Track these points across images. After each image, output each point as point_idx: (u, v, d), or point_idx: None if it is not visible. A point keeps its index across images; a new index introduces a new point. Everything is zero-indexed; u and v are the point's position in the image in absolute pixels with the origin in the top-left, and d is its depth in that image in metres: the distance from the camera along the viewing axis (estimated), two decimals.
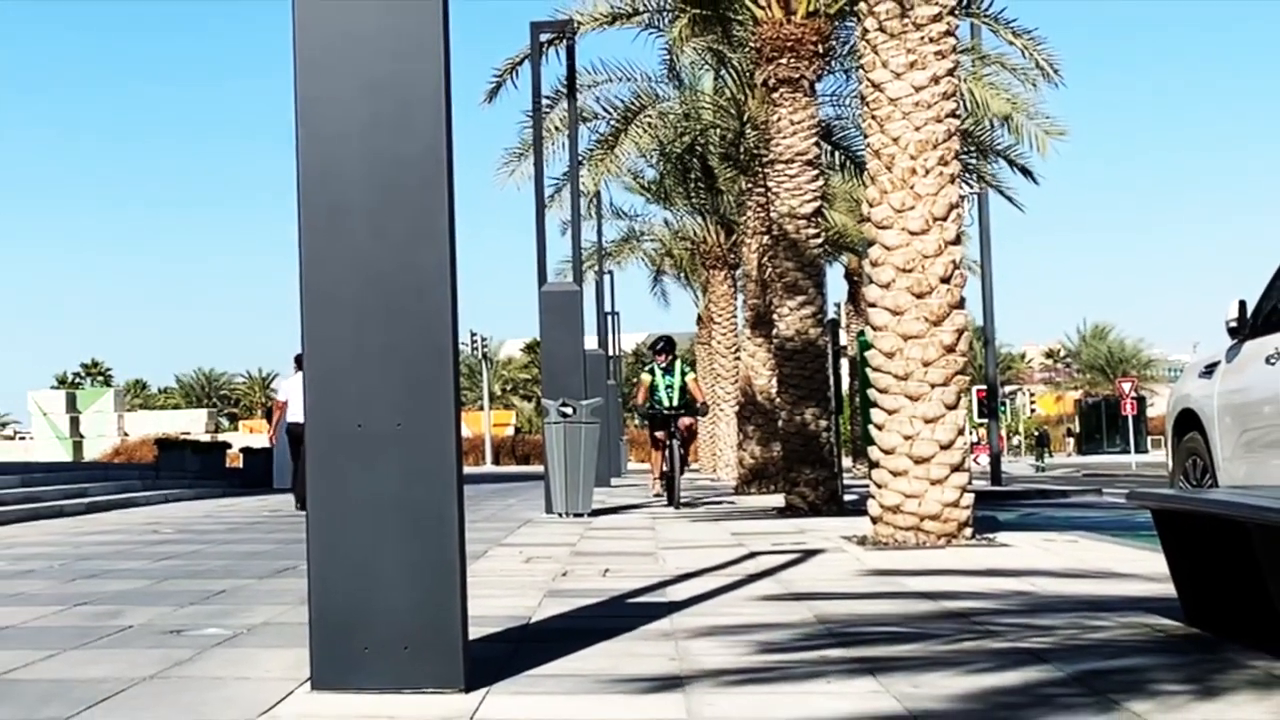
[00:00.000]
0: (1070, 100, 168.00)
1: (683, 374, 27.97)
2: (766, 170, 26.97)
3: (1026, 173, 37.86)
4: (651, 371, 28.26)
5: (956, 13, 17.07)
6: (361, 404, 7.22)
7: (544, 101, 30.40)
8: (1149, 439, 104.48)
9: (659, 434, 27.80)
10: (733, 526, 19.60)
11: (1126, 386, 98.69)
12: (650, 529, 20.01)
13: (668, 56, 35.33)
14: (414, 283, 7.22)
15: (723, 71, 36.25)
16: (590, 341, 39.03)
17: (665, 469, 27.65)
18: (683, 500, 26.92)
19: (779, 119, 25.49)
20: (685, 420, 27.54)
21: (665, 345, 28.50)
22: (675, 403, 27.42)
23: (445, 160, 7.25)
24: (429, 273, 7.22)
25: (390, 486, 7.20)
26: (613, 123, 39.54)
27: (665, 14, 31.27)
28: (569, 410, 24.31)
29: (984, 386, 52.14)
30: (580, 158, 34.35)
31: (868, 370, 16.87)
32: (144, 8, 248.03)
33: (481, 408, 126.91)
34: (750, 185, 35.41)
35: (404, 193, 7.23)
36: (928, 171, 16.06)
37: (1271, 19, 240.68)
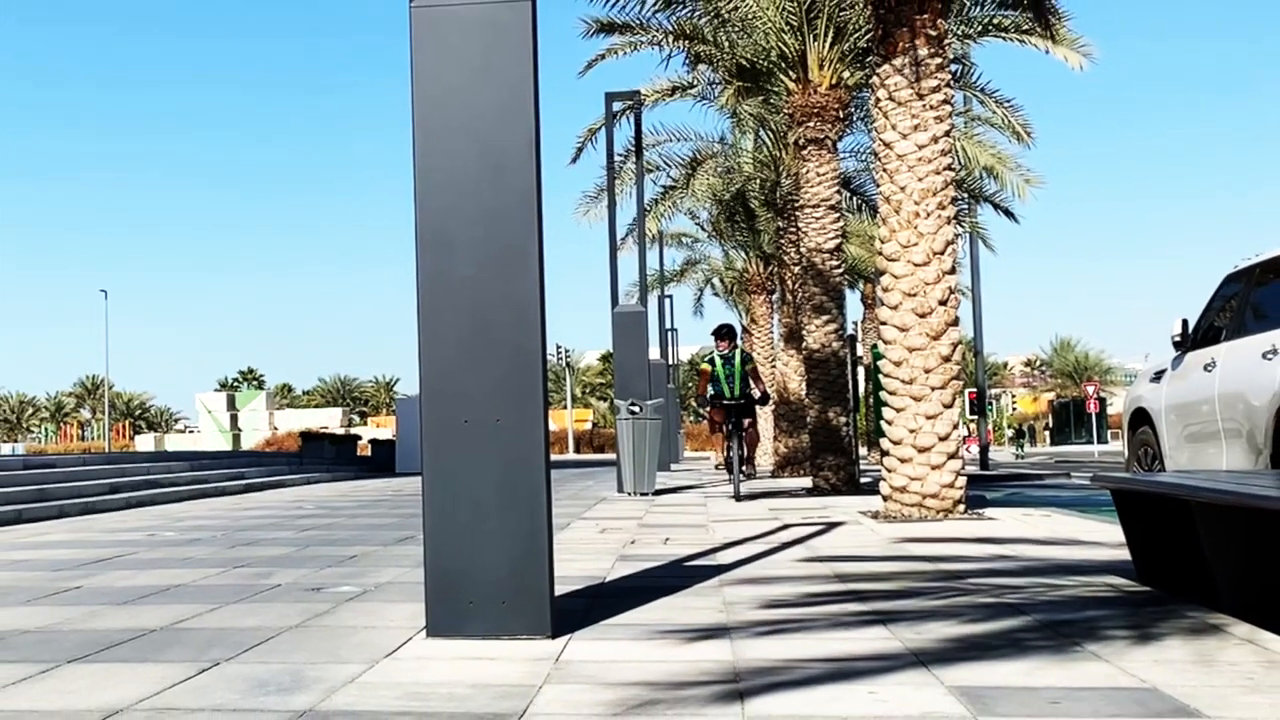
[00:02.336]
0: (1049, 152, 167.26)
1: (743, 363, 22.78)
2: (798, 213, 26.92)
3: (1009, 214, 38.53)
4: (712, 361, 23.05)
5: (951, 85, 17.07)
6: (467, 402, 7.25)
7: (616, 158, 30.54)
8: (1109, 432, 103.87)
9: (717, 415, 23.02)
10: (770, 503, 19.56)
11: (1090, 389, 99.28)
12: (703, 506, 19.97)
13: (720, 120, 35.91)
14: (510, 304, 7.24)
15: (762, 132, 36.25)
16: (653, 353, 39.10)
17: (727, 455, 23.13)
18: (743, 495, 21.97)
19: (807, 171, 25.48)
20: (747, 421, 22.81)
21: (727, 332, 23.27)
22: (736, 393, 22.62)
23: (535, 207, 7.27)
24: (522, 296, 7.24)
25: (491, 470, 7.22)
26: (672, 176, 40.04)
27: (715, 86, 31.45)
28: (636, 408, 24.36)
29: (974, 389, 52.13)
30: (645, 205, 34.70)
31: (880, 376, 16.90)
32: (296, 72, 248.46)
33: (565, 406, 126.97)
34: (785, 225, 35.31)
35: (502, 232, 7.25)
36: (929, 214, 16.06)
37: (1206, 89, 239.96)
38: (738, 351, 22.97)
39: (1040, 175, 35.08)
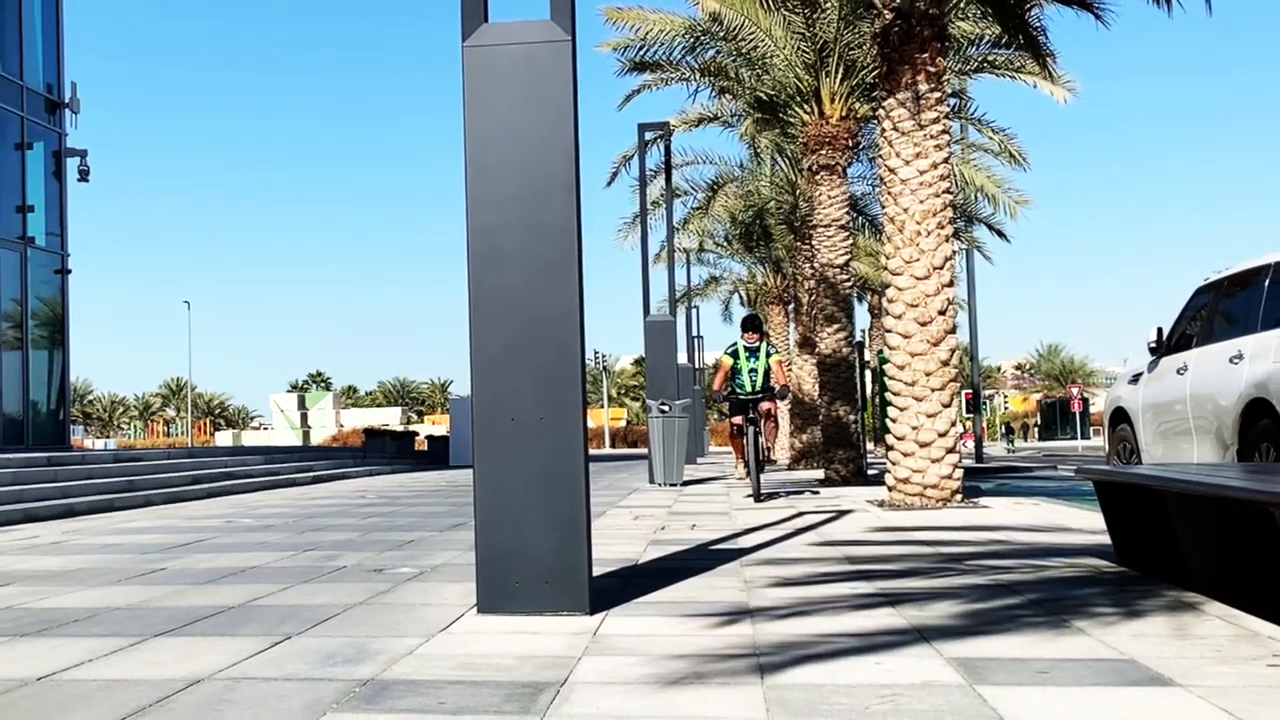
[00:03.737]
0: (1037, 176, 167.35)
1: (768, 356, 19.18)
2: (811, 232, 26.93)
3: (1000, 234, 38.96)
4: (734, 354, 19.24)
5: (950, 116, 17.08)
6: (514, 402, 7.26)
7: (646, 176, 30.68)
8: (1091, 429, 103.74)
9: (738, 420, 19.19)
10: (786, 497, 19.54)
11: (1074, 390, 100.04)
12: (726, 495, 19.93)
13: (742, 148, 36.21)
14: (552, 313, 7.25)
15: (778, 158, 36.32)
16: (681, 358, 39.19)
17: (747, 455, 18.99)
18: (764, 492, 19.11)
19: (820, 194, 25.47)
20: (765, 405, 18.98)
21: (756, 323, 19.86)
22: (758, 388, 18.96)
23: (575, 224, 7.29)
24: (563, 306, 7.25)
25: (535, 463, 7.24)
26: (698, 198, 40.37)
27: (737, 117, 31.59)
28: (666, 408, 24.43)
29: (970, 390, 52.19)
30: (674, 224, 34.94)
31: (885, 378, 16.87)
32: (362, 105, 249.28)
33: (602, 406, 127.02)
34: (799, 243, 35.38)
35: (545, 247, 7.26)
36: (929, 233, 16.05)
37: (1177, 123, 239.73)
38: (763, 343, 19.38)
39: (1029, 196, 35.17)
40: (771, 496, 19.21)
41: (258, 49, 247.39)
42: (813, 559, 10.14)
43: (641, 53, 25.96)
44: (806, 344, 36.18)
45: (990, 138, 32.15)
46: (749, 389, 19.09)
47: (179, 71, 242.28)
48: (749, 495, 18.50)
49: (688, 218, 42.09)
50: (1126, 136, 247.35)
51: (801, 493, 16.95)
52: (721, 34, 24.84)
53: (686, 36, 25.96)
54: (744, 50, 25.37)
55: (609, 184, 36.46)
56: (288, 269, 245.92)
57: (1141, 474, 8.21)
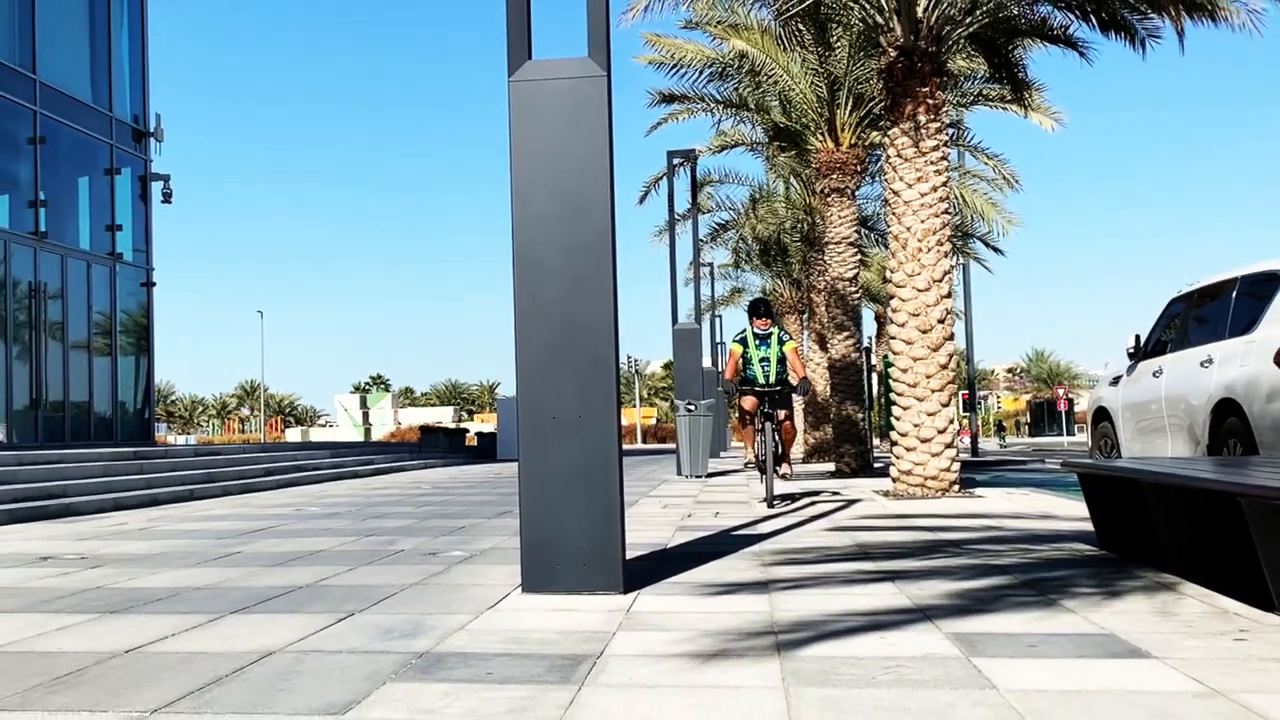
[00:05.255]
0: (1027, 197, 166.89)
1: (781, 343, 15.66)
2: (823, 248, 27.00)
3: (995, 249, 39.12)
4: (743, 341, 15.86)
5: (948, 144, 17.12)
6: (555, 403, 7.27)
7: (673, 197, 30.96)
8: (1076, 426, 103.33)
9: (749, 403, 15.49)
10: (801, 484, 19.52)
11: (1060, 391, 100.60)
12: (746, 486, 19.91)
13: (763, 171, 36.63)
14: (588, 321, 7.26)
15: (793, 181, 36.39)
16: (706, 362, 39.26)
17: (759, 452, 15.37)
18: (777, 496, 16.08)
19: (831, 214, 25.48)
20: (781, 413, 15.35)
21: (764, 309, 16.02)
22: (772, 379, 15.54)
23: (610, 241, 7.31)
24: (599, 315, 7.27)
25: (574, 457, 7.25)
26: (721, 218, 40.65)
27: (758, 145, 31.73)
28: (692, 407, 24.48)
29: (966, 391, 52.13)
30: (700, 240, 35.15)
31: (890, 380, 16.96)
32: (418, 134, 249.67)
33: (634, 406, 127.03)
34: (813, 258, 35.42)
35: (583, 262, 7.28)
36: (929, 250, 16.06)
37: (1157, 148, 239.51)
38: (776, 330, 15.82)
39: (1019, 217, 35.34)
40: (786, 500, 16.08)
41: (321, 85, 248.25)
42: (824, 543, 10.14)
43: (674, 71, 26.09)
44: (820, 345, 36.30)
45: (986, 163, 32.24)
46: (762, 381, 15.54)
47: (250, 105, 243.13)
48: (763, 500, 15.13)
49: (711, 236, 42.32)
50: (1109, 161, 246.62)
51: (818, 494, 16.77)
52: (747, 68, 25.00)
53: (714, 66, 26.14)
54: (764, 84, 25.55)
55: (640, 202, 36.71)
56: (351, 282, 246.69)
57: (1121, 467, 8.21)
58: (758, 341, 15.69)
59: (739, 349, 15.80)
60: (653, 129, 30.22)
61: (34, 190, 27.58)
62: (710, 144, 33.36)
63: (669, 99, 27.81)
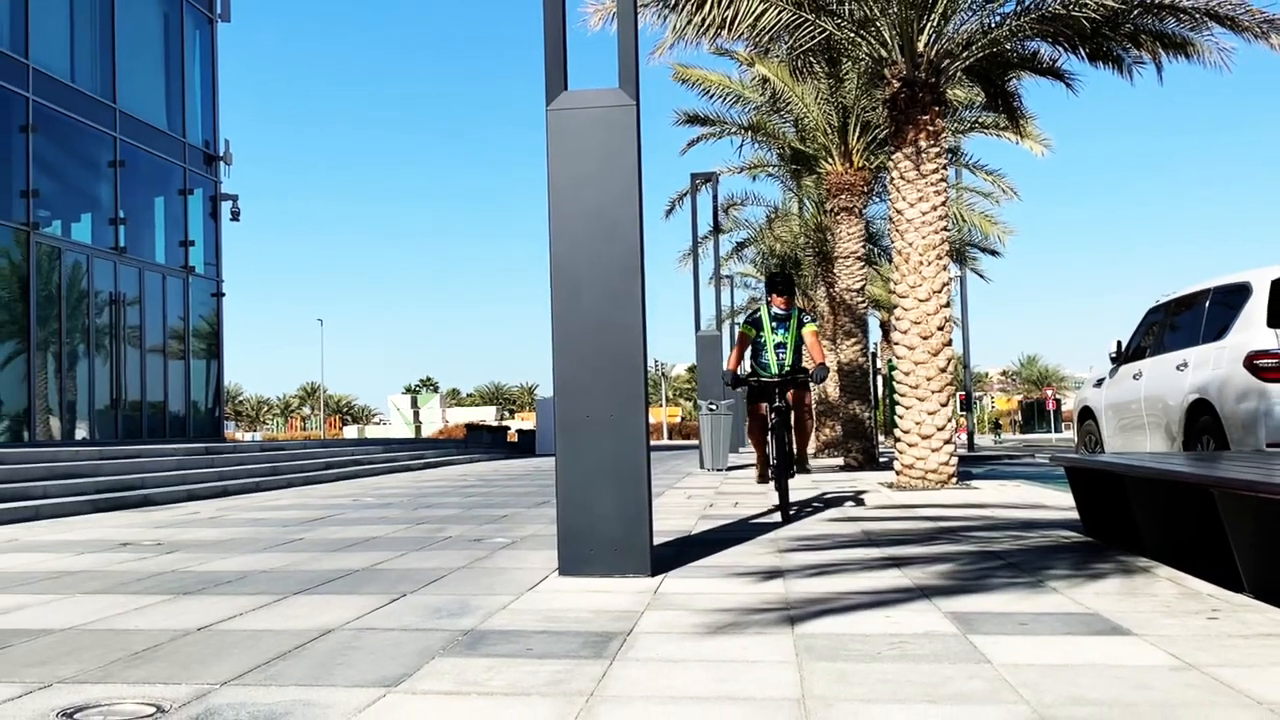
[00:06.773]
0: (1020, 213, 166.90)
1: (800, 326, 12.01)
2: (833, 261, 26.97)
3: (993, 253, 39.80)
4: (755, 323, 12.16)
5: (948, 166, 17.13)
6: (589, 403, 7.31)
7: (696, 214, 30.94)
8: (1063, 424, 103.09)
9: (763, 408, 11.88)
10: (812, 477, 19.46)
11: (1049, 392, 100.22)
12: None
13: (780, 191, 36.77)
14: (620, 329, 7.29)
15: (806, 200, 36.41)
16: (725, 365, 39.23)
17: (772, 459, 11.70)
18: (793, 503, 13.11)
19: (840, 231, 25.44)
20: (791, 391, 11.68)
21: (785, 284, 12.11)
22: (786, 365, 11.94)
23: (639, 256, 7.33)
24: (629, 324, 7.29)
25: (606, 453, 7.28)
26: (739, 237, 40.88)
27: (775, 166, 31.77)
28: (714, 407, 24.53)
29: (963, 392, 52.10)
30: (723, 257, 35.26)
31: (893, 382, 16.93)
32: (465, 157, 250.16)
33: (661, 405, 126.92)
34: (824, 270, 35.42)
35: (614, 276, 7.31)
36: (929, 264, 16.06)
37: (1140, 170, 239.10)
38: (796, 311, 12.14)
39: (1013, 228, 35.53)
40: (809, 509, 12.76)
41: (376, 111, 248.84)
42: (834, 531, 10.15)
43: (700, 89, 26.23)
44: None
45: (985, 179, 32.32)
46: (775, 370, 11.99)
47: (311, 129, 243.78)
48: (776, 509, 11.94)
49: (733, 251, 42.56)
50: (1092, 181, 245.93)
51: (818, 470, 16.55)
52: (769, 93, 25.12)
53: (735, 96, 26.33)
54: (782, 110, 25.67)
55: (666, 216, 36.78)
56: (403, 291, 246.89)
57: (1104, 461, 8.20)
58: (775, 324, 12.12)
59: (750, 332, 12.25)
60: (688, 147, 30.28)
61: (114, 209, 27.68)
62: (731, 167, 33.52)
63: (693, 120, 27.87)
